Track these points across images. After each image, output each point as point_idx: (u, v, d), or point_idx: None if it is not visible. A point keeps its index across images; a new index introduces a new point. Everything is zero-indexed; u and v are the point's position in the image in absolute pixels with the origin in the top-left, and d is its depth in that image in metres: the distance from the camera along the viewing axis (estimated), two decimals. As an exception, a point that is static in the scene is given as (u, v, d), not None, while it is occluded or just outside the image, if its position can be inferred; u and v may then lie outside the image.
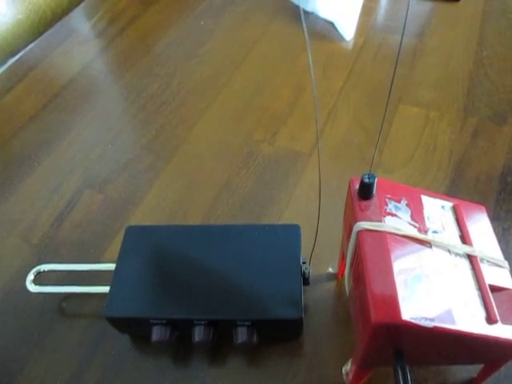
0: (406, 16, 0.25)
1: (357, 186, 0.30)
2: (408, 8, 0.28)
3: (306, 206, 0.48)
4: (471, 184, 0.49)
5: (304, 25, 0.24)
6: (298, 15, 0.71)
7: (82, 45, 0.72)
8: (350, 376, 0.34)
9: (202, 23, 0.72)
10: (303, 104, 0.58)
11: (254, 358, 0.38)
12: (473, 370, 0.36)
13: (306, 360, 0.38)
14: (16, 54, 0.73)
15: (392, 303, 0.25)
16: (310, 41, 0.67)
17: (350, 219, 0.30)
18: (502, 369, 0.35)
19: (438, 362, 0.33)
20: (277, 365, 0.38)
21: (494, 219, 0.46)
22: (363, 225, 0.28)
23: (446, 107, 0.56)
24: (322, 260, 0.43)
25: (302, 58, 0.65)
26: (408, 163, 0.51)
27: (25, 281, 0.42)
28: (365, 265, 0.27)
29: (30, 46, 0.73)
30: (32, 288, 0.42)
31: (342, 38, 0.67)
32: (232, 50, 0.68)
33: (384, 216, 0.29)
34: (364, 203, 0.29)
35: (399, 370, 0.28)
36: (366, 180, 0.28)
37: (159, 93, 0.62)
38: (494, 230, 0.33)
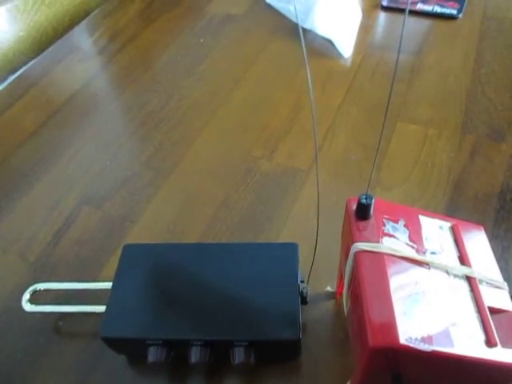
0: (402, 33, 0.25)
1: (354, 207, 0.30)
2: (404, 25, 0.28)
3: (304, 224, 0.48)
4: (470, 202, 0.49)
5: (303, 42, 0.24)
6: (296, 33, 0.72)
7: (82, 62, 0.73)
8: (349, 399, 0.33)
9: (201, 40, 0.73)
10: (302, 121, 0.59)
11: (252, 379, 0.38)
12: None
13: (304, 381, 0.38)
14: (17, 71, 0.74)
15: (390, 327, 0.25)
16: (309, 58, 0.67)
17: (348, 240, 0.30)
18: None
19: (437, 385, 0.33)
20: (275, 386, 0.37)
21: (494, 238, 0.46)
22: (361, 246, 0.28)
23: (444, 125, 0.57)
24: (321, 279, 0.43)
25: (300, 75, 0.65)
26: (406, 181, 0.51)
27: (20, 300, 0.42)
28: (362, 287, 0.27)
29: (31, 63, 0.74)
30: (28, 307, 0.41)
31: (340, 56, 0.67)
32: (231, 67, 0.68)
33: (382, 237, 0.29)
34: (361, 224, 0.29)
35: (398, 394, 0.27)
36: (364, 201, 0.28)
37: (158, 109, 0.63)
38: (494, 249, 0.33)
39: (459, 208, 0.48)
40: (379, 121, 0.57)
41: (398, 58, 0.22)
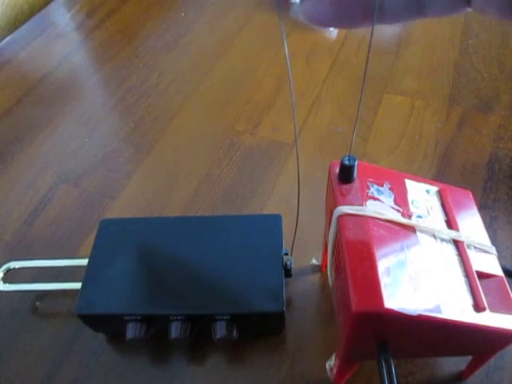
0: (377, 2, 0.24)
1: (337, 170, 0.28)
2: None
3: (289, 197, 0.46)
4: (458, 173, 0.48)
5: (280, 15, 0.23)
6: (279, 6, 0.69)
7: (59, 38, 0.70)
8: (334, 371, 0.32)
9: (182, 14, 0.71)
10: (286, 94, 0.57)
11: (235, 354, 0.37)
12: (461, 363, 0.35)
13: (288, 356, 0.36)
14: (-10, 48, 0.71)
15: (374, 291, 0.24)
16: (293, 31, 0.65)
17: (331, 205, 0.29)
18: (491, 361, 0.33)
19: (424, 354, 0.32)
20: (258, 361, 0.36)
21: (482, 208, 0.45)
22: (344, 209, 0.27)
23: (432, 96, 0.55)
24: (306, 252, 0.41)
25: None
26: (393, 152, 0.50)
27: (-6, 279, 0.40)
28: (345, 251, 0.25)
29: (6, 40, 0.71)
30: (1, 286, 0.40)
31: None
32: (213, 41, 0.66)
33: (366, 200, 0.27)
34: (345, 187, 0.28)
35: (383, 363, 0.26)
36: (346, 162, 0.27)
37: (138, 85, 0.60)
38: (482, 219, 0.32)
39: (447, 179, 0.47)
40: (366, 93, 0.56)
41: (372, 28, 0.21)
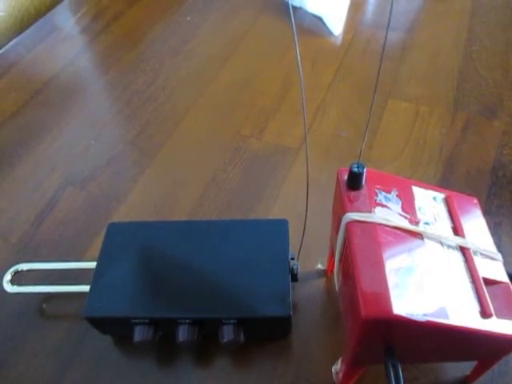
0: (391, 10, 0.24)
1: (345, 177, 0.29)
2: (392, 2, 0.27)
3: (294, 202, 0.47)
4: (462, 178, 0.48)
5: (292, 20, 0.23)
6: (285, 10, 0.70)
7: (65, 41, 0.70)
8: (340, 375, 0.33)
9: (188, 19, 0.71)
10: (291, 99, 0.57)
11: (242, 357, 0.37)
12: (466, 368, 0.35)
13: (294, 359, 0.37)
14: (-3, 51, 0.71)
15: (382, 297, 0.24)
16: (298, 36, 0.65)
17: (339, 211, 0.29)
18: (496, 366, 0.34)
19: (430, 359, 0.32)
20: (265, 364, 0.37)
21: (486, 214, 0.45)
22: (352, 216, 0.27)
23: (436, 102, 0.56)
24: (312, 256, 0.42)
25: (289, 54, 0.64)
26: (398, 158, 0.50)
27: (2, 281, 0.40)
28: (354, 257, 0.26)
29: (12, 43, 0.71)
30: (9, 288, 0.40)
31: (330, 34, 0.66)
32: (219, 45, 0.66)
33: (374, 207, 0.28)
34: (353, 194, 0.28)
35: (391, 368, 0.27)
36: (355, 169, 0.27)
37: (144, 88, 0.61)
38: (486, 225, 0.32)
39: (451, 184, 0.47)
40: (370, 98, 0.56)
41: (386, 35, 0.21)
